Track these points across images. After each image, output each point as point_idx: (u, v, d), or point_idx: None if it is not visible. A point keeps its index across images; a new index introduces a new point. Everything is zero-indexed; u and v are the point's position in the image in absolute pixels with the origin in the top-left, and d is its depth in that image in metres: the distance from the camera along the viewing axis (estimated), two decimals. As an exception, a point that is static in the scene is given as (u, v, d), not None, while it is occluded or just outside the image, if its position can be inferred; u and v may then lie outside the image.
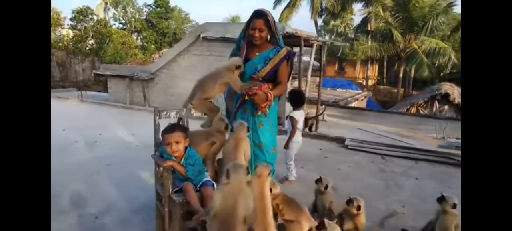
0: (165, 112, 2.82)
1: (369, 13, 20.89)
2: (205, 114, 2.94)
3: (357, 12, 24.73)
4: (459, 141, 6.41)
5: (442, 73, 22.14)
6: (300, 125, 3.95)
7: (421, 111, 14.73)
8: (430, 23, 19.48)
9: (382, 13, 21.24)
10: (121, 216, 3.21)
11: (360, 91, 18.58)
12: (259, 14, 2.73)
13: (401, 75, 21.16)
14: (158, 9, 28.48)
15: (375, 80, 26.81)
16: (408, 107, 14.94)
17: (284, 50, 2.81)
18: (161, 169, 2.46)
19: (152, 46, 26.35)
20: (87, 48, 22.91)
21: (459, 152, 5.54)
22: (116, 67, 11.74)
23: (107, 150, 5.53)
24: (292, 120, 3.90)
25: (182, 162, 2.45)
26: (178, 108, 2.90)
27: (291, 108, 4.11)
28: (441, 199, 2.75)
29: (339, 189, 3.59)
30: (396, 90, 23.37)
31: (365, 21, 23.05)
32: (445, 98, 14.57)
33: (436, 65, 20.37)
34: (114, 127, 7.43)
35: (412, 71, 21.22)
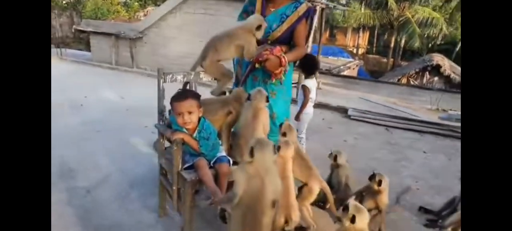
0: (170, 75, 2.43)
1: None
2: (216, 79, 2.55)
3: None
4: (459, 113, 6.29)
5: (430, 45, 22.05)
6: (313, 94, 3.63)
7: (412, 82, 14.67)
8: (426, -8, 19.15)
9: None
10: (117, 190, 2.88)
11: (352, 59, 18.30)
12: None
13: (392, 45, 20.92)
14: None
15: (365, 49, 26.46)
16: (399, 77, 14.83)
17: (303, 6, 2.42)
18: (169, 141, 2.12)
19: (136, 3, 24.90)
20: (64, 2, 21.33)
21: (455, 124, 5.42)
22: (99, 23, 10.85)
23: (95, 114, 5.09)
24: (305, 89, 3.57)
25: (194, 134, 2.12)
26: (185, 71, 2.51)
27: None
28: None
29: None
30: (385, 60, 23.25)
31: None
32: (436, 69, 14.51)
33: (426, 36, 20.21)
34: (101, 88, 6.92)
35: (402, 41, 21.04)
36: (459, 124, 5.45)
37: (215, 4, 7.56)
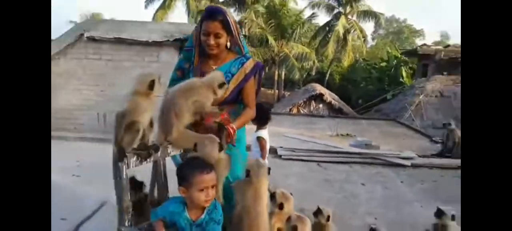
0: (134, 159, 1.80)
1: (245, 19, 21.66)
2: (185, 150, 2.03)
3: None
4: (365, 138, 6.95)
5: (304, 76, 24.80)
6: (268, 146, 3.36)
7: (301, 111, 15.97)
8: (298, 31, 21.62)
9: (255, 19, 22.30)
10: None
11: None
12: (212, 14, 2.01)
13: (276, 77, 22.67)
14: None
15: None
16: (290, 107, 15.96)
17: (250, 62, 2.13)
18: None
19: None
20: None
21: (376, 151, 5.97)
22: None
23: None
24: (261, 141, 3.27)
25: (203, 216, 1.70)
26: (153, 145, 1.90)
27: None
28: (440, 213, 2.78)
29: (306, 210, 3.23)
30: (270, 91, 25.02)
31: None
32: (320, 97, 16.21)
33: (302, 68, 22.75)
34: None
35: (283, 74, 23.09)
36: (372, 151, 5.98)
37: (111, 48, 6.62)
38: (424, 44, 22.35)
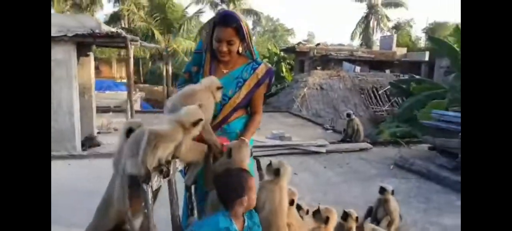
0: (156, 178, 1.66)
1: (127, 10, 20.03)
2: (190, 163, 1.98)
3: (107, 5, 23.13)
4: (280, 131, 7.54)
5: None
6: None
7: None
8: (185, 26, 21.28)
9: (136, 11, 20.94)
10: None
11: (133, 91, 17.57)
12: (227, 21, 1.96)
13: (164, 73, 21.84)
14: None
15: (134, 79, 26.15)
16: (187, 105, 15.70)
17: (262, 68, 2.10)
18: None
19: None
20: None
21: (297, 142, 6.59)
22: None
23: None
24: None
25: (246, 223, 1.74)
26: (166, 161, 1.76)
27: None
28: (383, 190, 3.29)
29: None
30: (156, 88, 23.96)
31: (116, 18, 21.95)
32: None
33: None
34: None
35: (170, 70, 22.43)
36: (287, 142, 6.58)
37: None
38: (300, 42, 25.12)
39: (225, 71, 2.06)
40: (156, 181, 1.65)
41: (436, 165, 5.25)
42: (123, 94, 15.90)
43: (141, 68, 27.12)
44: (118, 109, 12.15)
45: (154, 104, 18.88)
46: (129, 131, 1.72)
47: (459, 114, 5.20)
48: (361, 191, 4.48)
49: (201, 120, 1.67)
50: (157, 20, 20.61)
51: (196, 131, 1.71)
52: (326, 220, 2.18)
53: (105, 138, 6.93)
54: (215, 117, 2.02)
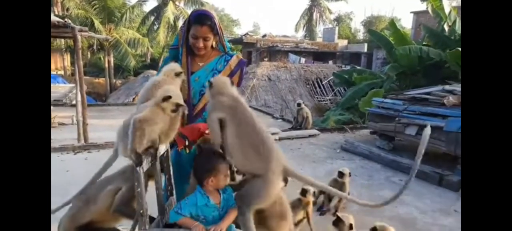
0: (147, 160, 1.78)
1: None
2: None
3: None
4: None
5: (141, 64, 23.72)
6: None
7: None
8: (127, 15, 20.32)
9: (73, -2, 19.47)
10: None
11: (72, 84, 16.44)
12: (202, 20, 2.10)
13: (106, 65, 20.70)
14: None
15: (70, 71, 24.23)
16: (133, 97, 15.16)
17: (234, 59, 2.27)
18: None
19: None
20: None
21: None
22: None
23: None
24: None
25: (221, 196, 1.90)
26: (152, 150, 1.89)
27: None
28: (341, 174, 3.62)
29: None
30: (98, 80, 22.67)
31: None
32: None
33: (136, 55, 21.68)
34: None
35: (112, 61, 21.35)
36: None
37: None
38: (247, 33, 25.38)
39: (200, 64, 2.21)
40: (146, 163, 1.75)
41: (376, 147, 5.87)
42: (62, 87, 14.87)
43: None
44: (60, 104, 11.31)
45: (96, 98, 17.87)
46: None
47: (395, 101, 5.83)
48: (312, 171, 4.86)
49: (170, 97, 1.75)
50: (96, 8, 19.43)
51: (169, 110, 1.76)
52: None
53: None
54: (194, 106, 2.17)
